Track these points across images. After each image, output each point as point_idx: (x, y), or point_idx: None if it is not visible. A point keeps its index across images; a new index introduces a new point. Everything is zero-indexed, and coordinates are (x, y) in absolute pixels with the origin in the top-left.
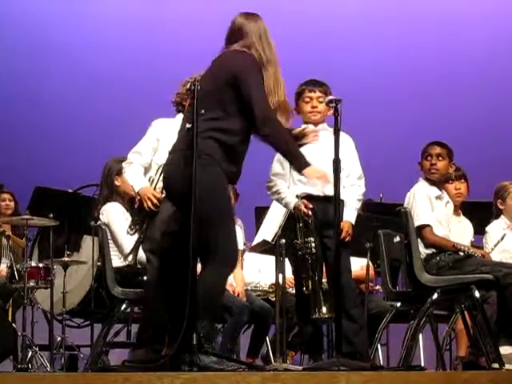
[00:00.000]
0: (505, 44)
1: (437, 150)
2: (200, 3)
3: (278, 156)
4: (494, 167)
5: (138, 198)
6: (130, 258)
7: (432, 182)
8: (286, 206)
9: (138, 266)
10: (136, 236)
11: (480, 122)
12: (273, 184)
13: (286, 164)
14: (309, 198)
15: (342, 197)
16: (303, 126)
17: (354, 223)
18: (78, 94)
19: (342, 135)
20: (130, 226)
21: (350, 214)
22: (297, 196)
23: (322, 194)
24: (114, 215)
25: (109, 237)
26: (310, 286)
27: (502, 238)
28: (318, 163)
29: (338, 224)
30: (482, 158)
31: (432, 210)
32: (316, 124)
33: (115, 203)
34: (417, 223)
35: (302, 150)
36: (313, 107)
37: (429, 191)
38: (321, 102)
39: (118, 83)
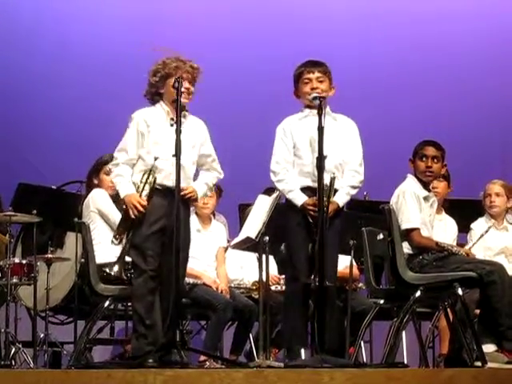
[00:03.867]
0: (497, 39)
1: (433, 152)
2: None
3: (283, 138)
4: (479, 165)
5: (124, 205)
6: (116, 268)
7: (422, 182)
8: (291, 200)
9: (124, 277)
10: (121, 246)
11: (466, 118)
12: (279, 170)
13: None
14: (307, 189)
15: (338, 184)
16: (304, 110)
17: (341, 206)
18: (62, 89)
19: (345, 119)
20: (114, 236)
21: (339, 196)
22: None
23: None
24: (101, 199)
25: (95, 226)
26: (312, 250)
27: (487, 231)
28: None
29: (322, 222)
30: (467, 156)
31: (420, 211)
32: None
33: (98, 189)
34: (405, 226)
35: (301, 136)
36: (312, 88)
37: (418, 192)
38: (321, 82)
39: (104, 80)
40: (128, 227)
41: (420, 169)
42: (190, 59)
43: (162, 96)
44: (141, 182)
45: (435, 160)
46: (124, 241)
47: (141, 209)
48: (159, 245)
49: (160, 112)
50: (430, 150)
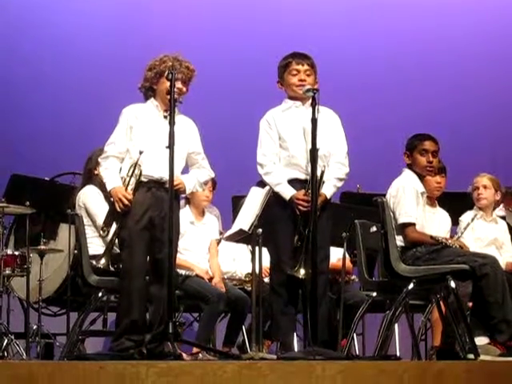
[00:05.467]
0: (490, 33)
1: (432, 146)
2: None
3: (268, 131)
4: (470, 157)
5: (111, 198)
6: (103, 261)
7: (420, 177)
8: (278, 192)
9: (111, 268)
10: (108, 238)
11: (456, 111)
12: (266, 163)
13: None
14: (295, 181)
15: (325, 177)
16: (287, 101)
17: (329, 197)
18: (57, 80)
19: (328, 111)
20: (102, 228)
21: (326, 188)
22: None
23: (308, 177)
24: (90, 196)
25: (86, 222)
26: (298, 242)
27: (473, 219)
28: (304, 140)
29: (315, 213)
30: (459, 148)
31: (417, 206)
32: (302, 99)
33: (91, 186)
34: (402, 220)
35: (286, 128)
36: (301, 80)
37: (417, 187)
38: (308, 76)
39: (97, 73)
40: (115, 220)
41: (421, 164)
42: (188, 60)
43: (155, 92)
44: (127, 175)
45: (434, 154)
46: (111, 233)
47: (126, 202)
48: (147, 238)
49: (150, 107)
50: (430, 145)
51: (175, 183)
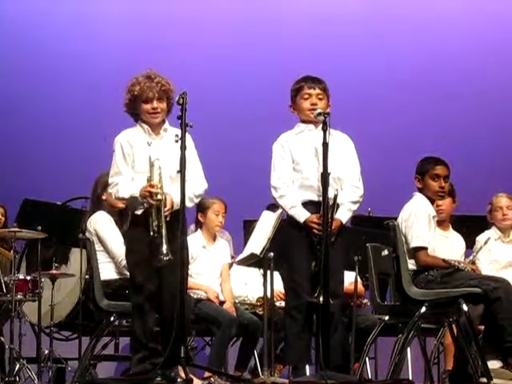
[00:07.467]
0: (497, 52)
1: (444, 171)
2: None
3: (282, 154)
4: (485, 179)
5: (145, 201)
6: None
7: (431, 201)
8: (293, 216)
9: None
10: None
11: (466, 133)
12: (280, 186)
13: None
14: (309, 203)
15: (339, 200)
16: (300, 125)
17: (344, 222)
18: (68, 106)
19: (341, 135)
20: (153, 230)
21: (341, 213)
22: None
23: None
24: (101, 222)
25: (97, 247)
26: (316, 267)
27: (486, 243)
28: (317, 162)
29: (327, 237)
30: (473, 170)
31: (429, 230)
32: (315, 122)
33: (101, 212)
34: (415, 244)
35: (299, 151)
36: (312, 104)
37: (430, 211)
38: (320, 99)
39: (108, 96)
40: (159, 216)
41: (433, 189)
42: (160, 75)
43: (139, 115)
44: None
45: (446, 179)
46: (164, 231)
47: (155, 191)
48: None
49: (140, 132)
50: (442, 170)
51: (167, 208)
